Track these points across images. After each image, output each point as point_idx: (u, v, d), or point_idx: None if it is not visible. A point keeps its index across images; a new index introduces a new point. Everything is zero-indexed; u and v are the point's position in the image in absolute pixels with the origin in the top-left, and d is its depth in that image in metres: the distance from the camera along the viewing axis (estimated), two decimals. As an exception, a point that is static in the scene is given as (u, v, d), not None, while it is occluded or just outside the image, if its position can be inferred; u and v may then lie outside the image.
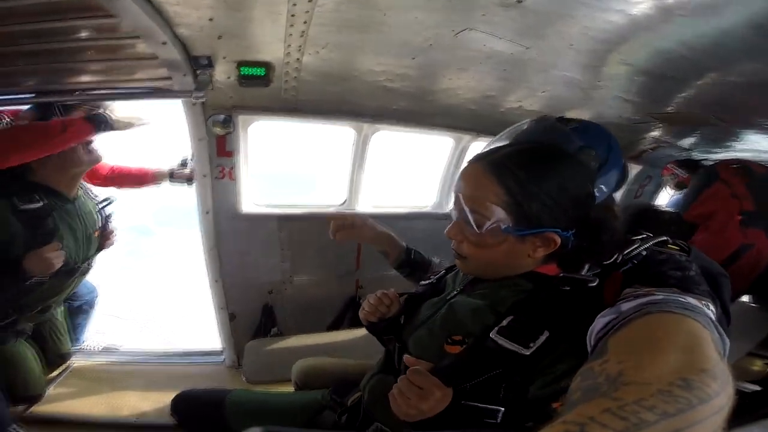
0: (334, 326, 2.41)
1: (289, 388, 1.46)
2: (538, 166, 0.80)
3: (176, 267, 4.72)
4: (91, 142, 1.59)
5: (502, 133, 0.98)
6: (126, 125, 1.61)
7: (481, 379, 0.77)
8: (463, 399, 0.78)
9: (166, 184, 2.21)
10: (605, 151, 0.91)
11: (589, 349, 0.62)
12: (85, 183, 1.79)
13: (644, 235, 0.85)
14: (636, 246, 0.80)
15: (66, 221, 1.58)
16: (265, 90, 1.75)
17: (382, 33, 1.45)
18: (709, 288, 0.70)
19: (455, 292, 0.95)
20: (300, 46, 1.50)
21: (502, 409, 0.76)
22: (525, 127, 1.02)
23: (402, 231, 1.41)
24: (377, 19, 1.35)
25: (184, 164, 2.17)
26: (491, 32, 1.45)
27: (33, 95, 1.51)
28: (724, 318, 0.74)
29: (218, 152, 1.96)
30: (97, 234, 1.75)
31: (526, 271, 0.84)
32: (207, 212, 2.03)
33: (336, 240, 1.32)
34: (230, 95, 1.78)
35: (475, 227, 0.80)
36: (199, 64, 1.53)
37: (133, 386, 1.89)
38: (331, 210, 2.43)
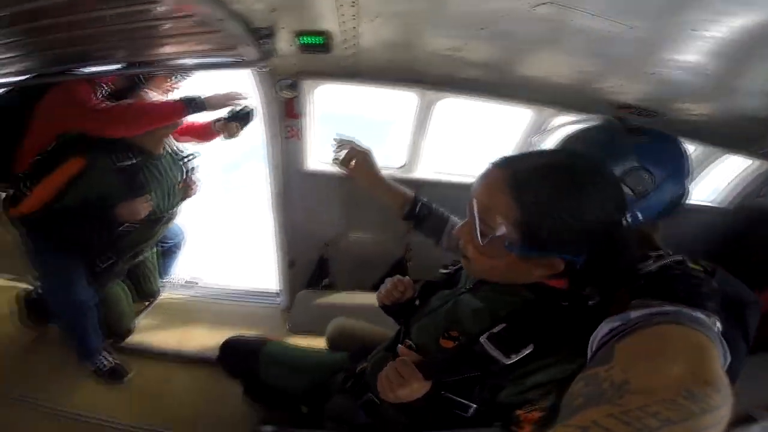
0: (378, 285, 2.57)
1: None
2: (563, 188, 0.73)
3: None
4: None
5: (549, 129, 0.91)
6: (218, 105, 1.77)
7: (462, 377, 0.82)
8: (443, 390, 0.84)
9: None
10: (666, 175, 0.84)
11: (589, 353, 0.63)
12: (171, 139, 1.99)
13: (661, 252, 0.83)
14: (649, 263, 0.80)
15: (154, 175, 1.79)
16: (327, 57, 1.73)
17: (438, 3, 1.30)
18: (737, 312, 0.73)
19: (463, 290, 0.97)
20: (354, 15, 1.43)
21: (474, 405, 0.82)
22: (579, 133, 0.95)
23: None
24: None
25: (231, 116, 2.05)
26: (577, 7, 1.16)
27: (120, 67, 1.71)
28: (743, 343, 0.76)
29: (287, 114, 2.07)
30: (180, 185, 1.97)
31: (530, 282, 0.83)
32: (276, 168, 2.23)
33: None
34: (294, 62, 1.80)
35: (479, 236, 0.78)
36: (260, 35, 1.56)
37: (202, 321, 2.27)
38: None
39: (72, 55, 1.65)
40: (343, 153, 1.32)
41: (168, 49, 1.65)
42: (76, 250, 1.72)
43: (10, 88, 1.68)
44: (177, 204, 2.02)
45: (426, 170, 2.39)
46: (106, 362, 1.88)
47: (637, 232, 0.87)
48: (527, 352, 0.75)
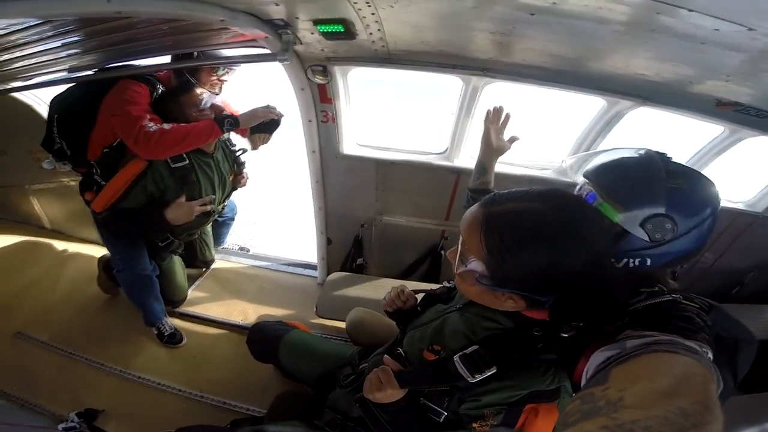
0: (411, 270, 2.54)
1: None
2: (526, 237, 0.76)
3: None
4: (222, 109, 1.82)
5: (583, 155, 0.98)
6: (251, 121, 1.79)
7: (432, 389, 0.95)
8: (421, 397, 0.98)
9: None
10: (689, 228, 0.81)
11: (584, 380, 0.68)
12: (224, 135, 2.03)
13: (655, 289, 0.85)
14: (639, 300, 0.83)
15: (206, 173, 1.87)
16: (354, 42, 1.57)
17: None
18: (728, 351, 0.77)
19: (454, 309, 1.05)
20: (368, 2, 1.27)
21: (445, 414, 0.94)
22: (614, 163, 0.91)
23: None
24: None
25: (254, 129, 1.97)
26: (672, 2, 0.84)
27: (163, 63, 1.79)
28: (731, 379, 0.81)
29: (321, 99, 1.98)
30: (231, 178, 2.05)
31: (507, 310, 0.88)
32: (314, 151, 2.20)
33: (488, 124, 1.37)
34: (322, 48, 1.67)
35: (457, 263, 0.86)
36: (277, 26, 1.46)
37: (247, 290, 2.47)
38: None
39: (121, 52, 1.74)
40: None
41: (198, 44, 1.65)
42: (138, 235, 1.95)
43: (75, 83, 1.85)
44: (228, 196, 2.12)
45: (466, 158, 2.16)
46: (166, 328, 2.14)
47: (629, 272, 0.87)
48: (490, 373, 0.85)
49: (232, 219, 2.74)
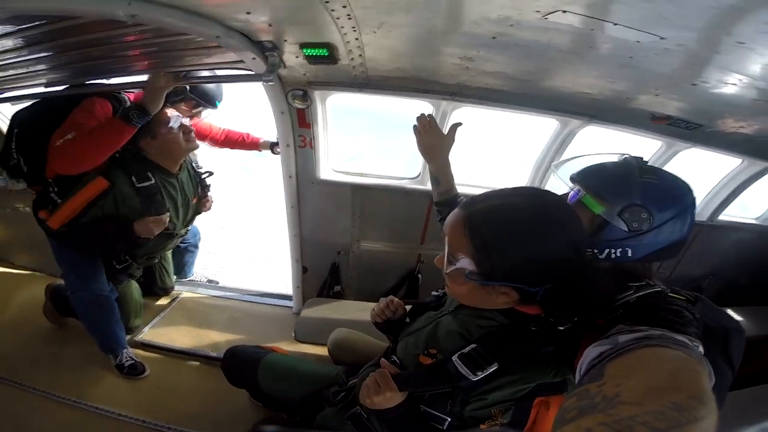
0: (389, 295, 2.52)
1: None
2: (508, 230, 0.81)
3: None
4: (191, 131, 1.85)
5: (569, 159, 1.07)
6: (155, 98, 1.67)
7: (433, 391, 0.93)
8: (421, 404, 0.94)
9: (267, 153, 2.54)
10: (666, 220, 0.88)
11: (578, 376, 0.68)
12: (191, 156, 2.07)
13: (643, 283, 0.89)
14: (629, 294, 0.87)
15: (170, 193, 1.85)
16: (336, 67, 1.70)
17: (439, 13, 1.23)
18: (720, 341, 0.80)
19: (446, 312, 1.06)
20: (354, 27, 1.38)
21: (448, 419, 0.91)
22: (595, 167, 1.01)
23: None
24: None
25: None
26: (598, 16, 1.03)
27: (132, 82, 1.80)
28: (728, 369, 0.83)
29: (299, 123, 2.06)
30: (195, 200, 2.02)
31: (500, 308, 0.90)
32: (290, 177, 2.23)
33: (418, 137, 1.43)
34: (304, 72, 1.78)
35: (446, 265, 0.88)
36: (265, 48, 1.55)
37: (218, 321, 2.35)
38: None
39: (89, 69, 1.74)
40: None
41: (179, 63, 1.70)
42: (96, 253, 1.84)
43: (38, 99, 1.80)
44: (191, 219, 2.09)
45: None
46: (126, 358, 1.98)
47: (618, 265, 0.94)
48: (492, 369, 0.85)
49: (196, 246, 2.66)
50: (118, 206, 1.70)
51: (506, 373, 0.85)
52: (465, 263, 0.84)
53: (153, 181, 1.75)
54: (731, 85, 1.21)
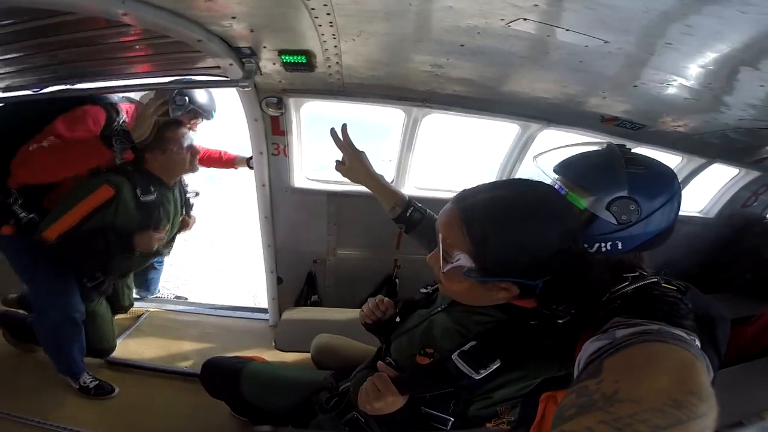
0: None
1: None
2: (505, 222, 0.79)
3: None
4: (197, 153, 1.83)
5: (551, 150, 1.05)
6: (142, 126, 1.66)
7: (435, 392, 0.89)
8: (422, 405, 0.91)
9: (243, 169, 2.50)
10: (654, 209, 0.87)
11: (576, 371, 0.66)
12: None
13: (637, 273, 0.88)
14: (625, 285, 0.85)
15: (167, 209, 1.83)
16: (312, 74, 1.75)
17: (414, 21, 1.31)
18: (707, 329, 0.78)
19: (439, 309, 1.02)
20: (334, 34, 1.44)
21: (452, 420, 0.88)
22: (579, 157, 1.00)
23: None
24: (403, 8, 1.22)
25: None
26: (552, 23, 1.17)
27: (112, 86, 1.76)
28: (715, 356, 0.82)
29: (273, 131, 2.07)
30: (181, 218, 2.01)
31: (497, 303, 0.88)
32: (263, 185, 2.22)
33: (342, 167, 1.35)
34: (279, 80, 1.82)
35: (441, 264, 0.85)
36: (242, 54, 1.58)
37: (190, 337, 2.25)
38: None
39: (66, 73, 1.67)
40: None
41: (151, 68, 1.67)
42: (71, 267, 1.72)
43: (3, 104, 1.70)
44: (174, 237, 2.05)
45: (413, 186, 2.37)
46: (88, 379, 1.83)
47: (610, 257, 0.92)
48: (495, 367, 0.82)
49: (161, 263, 2.55)
50: (117, 217, 1.63)
51: (510, 369, 0.82)
52: (463, 260, 0.81)
53: (155, 196, 1.71)
54: (666, 85, 1.41)
